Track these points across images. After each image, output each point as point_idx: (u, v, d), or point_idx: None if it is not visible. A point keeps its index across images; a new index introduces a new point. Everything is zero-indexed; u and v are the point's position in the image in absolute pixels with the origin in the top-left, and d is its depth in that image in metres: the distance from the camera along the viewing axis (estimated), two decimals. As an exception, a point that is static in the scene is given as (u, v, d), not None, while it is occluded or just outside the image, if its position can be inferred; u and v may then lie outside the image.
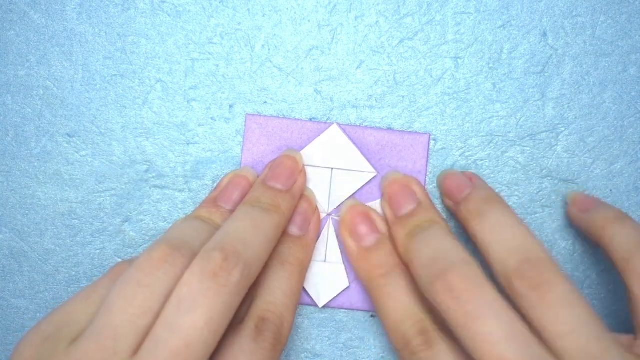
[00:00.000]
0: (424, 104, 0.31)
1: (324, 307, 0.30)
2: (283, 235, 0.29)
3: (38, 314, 0.31)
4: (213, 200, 0.29)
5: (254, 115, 0.31)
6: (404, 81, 0.31)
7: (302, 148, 0.30)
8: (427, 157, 0.31)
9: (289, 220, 0.29)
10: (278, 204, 0.27)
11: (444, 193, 0.30)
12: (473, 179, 0.30)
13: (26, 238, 0.31)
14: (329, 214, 0.30)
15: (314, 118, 0.31)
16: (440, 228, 0.27)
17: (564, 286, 0.23)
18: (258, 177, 0.29)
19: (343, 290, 0.30)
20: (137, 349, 0.23)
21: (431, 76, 0.31)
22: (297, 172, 0.29)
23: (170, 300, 0.23)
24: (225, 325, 0.24)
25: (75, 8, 0.31)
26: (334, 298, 0.30)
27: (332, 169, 0.30)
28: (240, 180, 0.29)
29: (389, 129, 0.31)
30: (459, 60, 0.31)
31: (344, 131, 0.30)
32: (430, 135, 0.31)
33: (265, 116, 0.31)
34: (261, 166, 0.30)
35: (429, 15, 0.31)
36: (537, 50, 0.31)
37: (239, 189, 0.29)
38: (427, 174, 0.31)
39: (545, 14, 0.31)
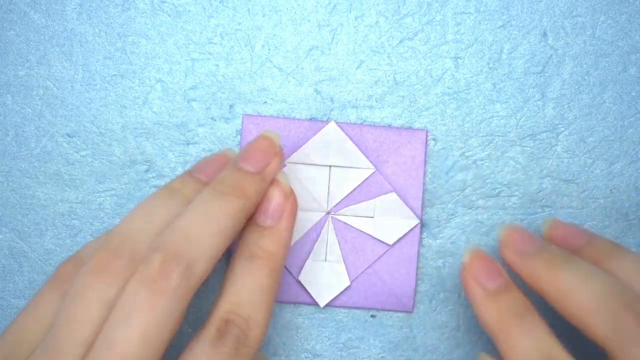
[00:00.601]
0: (424, 104, 0.31)
1: (325, 306, 0.30)
2: (251, 225, 0.26)
3: (38, 314, 0.31)
4: (189, 172, 0.27)
5: (251, 115, 0.31)
6: (404, 81, 0.31)
7: (300, 146, 0.30)
8: (426, 153, 0.31)
9: (256, 206, 0.26)
10: (243, 186, 0.25)
11: (554, 240, 0.29)
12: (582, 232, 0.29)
13: (26, 238, 0.31)
14: (328, 212, 0.30)
15: (314, 118, 0.31)
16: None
17: None
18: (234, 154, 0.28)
19: (344, 290, 0.30)
20: None
21: (431, 76, 0.31)
22: (272, 153, 0.27)
23: (111, 313, 0.22)
24: (166, 336, 0.22)
25: (75, 8, 0.31)
26: (335, 297, 0.30)
27: (330, 166, 0.30)
28: (220, 157, 0.28)
29: (387, 125, 0.31)
30: (459, 60, 0.31)
31: (342, 128, 0.30)
32: (427, 132, 0.31)
33: (262, 116, 0.31)
34: None
35: (429, 15, 0.31)
36: (537, 50, 0.31)
37: (215, 164, 0.27)
38: (426, 172, 0.31)
39: (545, 14, 0.31)
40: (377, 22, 0.31)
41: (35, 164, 0.31)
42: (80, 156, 0.31)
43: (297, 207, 0.27)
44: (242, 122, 0.31)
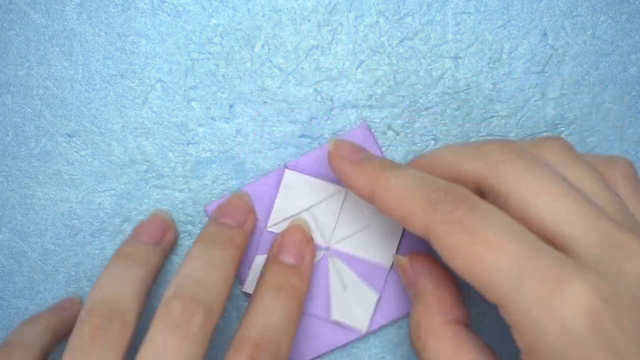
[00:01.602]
0: (424, 104, 0.31)
1: (373, 331, 0.30)
2: (277, 264, 0.28)
3: (38, 314, 0.31)
4: (133, 239, 0.29)
5: (293, 167, 0.30)
6: (404, 81, 0.31)
7: (271, 206, 0.30)
8: (377, 143, 0.30)
9: (277, 247, 0.28)
10: (233, 237, 0.27)
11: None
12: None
13: (26, 238, 0.31)
14: (327, 247, 0.30)
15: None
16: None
17: None
18: (170, 217, 0.30)
19: (377, 304, 0.30)
20: None
21: (431, 76, 0.31)
22: (247, 211, 0.29)
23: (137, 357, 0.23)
24: None
25: (75, 8, 0.31)
26: (374, 314, 0.30)
27: (309, 208, 0.30)
28: (155, 219, 0.29)
29: (332, 138, 0.30)
30: (459, 60, 0.31)
31: (297, 167, 0.30)
32: (366, 123, 0.30)
33: (300, 173, 0.30)
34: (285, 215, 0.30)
35: (429, 15, 0.31)
36: (537, 50, 0.31)
37: (155, 224, 0.29)
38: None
39: (545, 14, 0.31)
40: (377, 22, 0.31)
41: (35, 164, 0.31)
42: (80, 156, 0.31)
43: (316, 249, 0.29)
44: (284, 174, 0.30)
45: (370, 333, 0.30)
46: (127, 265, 0.27)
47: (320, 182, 0.30)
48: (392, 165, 0.25)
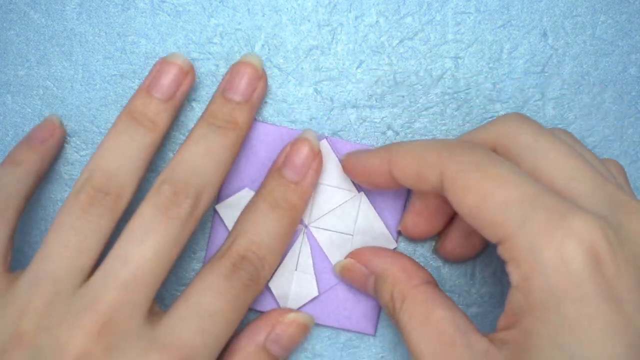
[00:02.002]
0: (424, 104, 0.31)
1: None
2: (276, 175, 0.28)
3: (38, 314, 0.31)
4: (146, 90, 0.27)
5: (331, 142, 0.30)
6: (404, 81, 0.31)
7: None
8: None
9: (246, 134, 0.28)
10: (235, 118, 0.27)
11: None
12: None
13: (26, 238, 0.31)
14: (306, 225, 0.30)
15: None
16: None
17: None
18: (188, 62, 0.28)
19: (312, 302, 0.30)
20: (80, 287, 0.24)
21: (431, 76, 0.31)
22: (257, 79, 0.28)
23: (123, 233, 0.25)
24: (174, 257, 0.25)
25: (75, 8, 0.31)
26: (302, 306, 0.30)
27: (320, 184, 0.30)
28: (171, 67, 0.28)
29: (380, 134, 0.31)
30: (459, 60, 0.31)
31: (333, 146, 0.30)
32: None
33: (254, 121, 0.30)
34: (250, 173, 0.30)
35: (429, 15, 0.31)
36: (537, 50, 0.31)
37: (170, 76, 0.27)
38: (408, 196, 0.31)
39: (545, 14, 0.31)
40: (377, 22, 0.31)
41: (35, 164, 0.31)
42: (80, 156, 0.31)
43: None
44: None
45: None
46: (134, 129, 0.26)
47: (342, 171, 0.30)
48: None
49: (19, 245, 0.31)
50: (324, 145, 0.30)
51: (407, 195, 0.30)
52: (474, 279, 0.31)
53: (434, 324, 0.24)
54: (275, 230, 0.27)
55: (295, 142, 0.28)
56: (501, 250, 0.22)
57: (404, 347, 0.31)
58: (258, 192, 0.28)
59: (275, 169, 0.28)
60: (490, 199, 0.22)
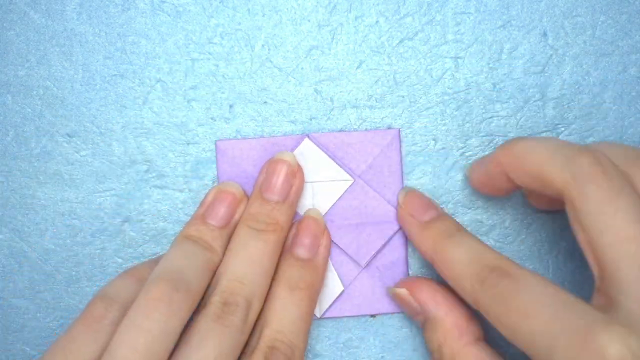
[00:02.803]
0: (424, 104, 0.31)
1: (324, 317, 0.30)
2: (291, 258, 0.28)
3: (38, 314, 0.31)
4: (201, 218, 0.28)
5: (224, 140, 0.30)
6: (404, 81, 0.31)
7: None
8: (400, 151, 0.30)
9: (287, 233, 0.29)
10: (276, 219, 0.28)
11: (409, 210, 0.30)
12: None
13: (26, 238, 0.31)
14: None
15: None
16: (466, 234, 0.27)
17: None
18: (242, 190, 0.29)
19: (339, 296, 0.30)
20: None
21: (431, 76, 0.31)
22: (292, 176, 0.29)
23: (182, 341, 0.25)
24: (232, 358, 0.25)
25: (75, 8, 0.31)
26: (331, 305, 0.30)
27: (312, 182, 0.30)
28: (226, 195, 0.29)
29: (360, 130, 0.31)
30: (459, 60, 0.31)
31: (316, 142, 0.30)
32: (399, 130, 0.31)
33: (234, 140, 0.30)
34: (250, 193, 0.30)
35: (429, 15, 0.31)
36: (537, 50, 0.31)
37: (224, 204, 0.29)
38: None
39: (545, 14, 0.31)
40: (377, 22, 0.31)
41: (35, 164, 0.31)
42: (80, 156, 0.31)
43: (331, 239, 0.30)
44: (216, 148, 0.31)
45: (322, 319, 0.31)
46: (194, 246, 0.27)
47: (333, 163, 0.30)
48: (455, 233, 0.27)
49: (18, 245, 0.31)
50: (308, 145, 0.30)
51: (401, 171, 0.30)
52: (474, 279, 0.31)
53: None
54: (297, 314, 0.27)
55: (301, 221, 0.29)
56: None
57: (404, 347, 0.31)
58: (274, 278, 0.28)
59: (287, 251, 0.29)
60: (518, 331, 0.22)
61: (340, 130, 0.31)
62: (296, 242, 0.29)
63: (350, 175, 0.30)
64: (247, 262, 0.27)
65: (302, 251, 0.28)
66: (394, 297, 0.29)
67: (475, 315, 0.27)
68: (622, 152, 0.25)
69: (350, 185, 0.30)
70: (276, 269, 0.28)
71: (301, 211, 0.30)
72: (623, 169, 0.24)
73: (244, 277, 0.26)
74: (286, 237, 0.29)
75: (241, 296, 0.26)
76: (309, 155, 0.30)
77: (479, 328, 0.27)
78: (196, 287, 0.26)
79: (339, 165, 0.30)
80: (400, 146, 0.31)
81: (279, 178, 0.29)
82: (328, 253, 0.29)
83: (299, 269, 0.28)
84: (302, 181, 0.30)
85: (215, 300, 0.25)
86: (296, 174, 0.29)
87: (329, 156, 0.30)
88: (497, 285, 0.24)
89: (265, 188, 0.29)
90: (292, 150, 0.30)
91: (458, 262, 0.25)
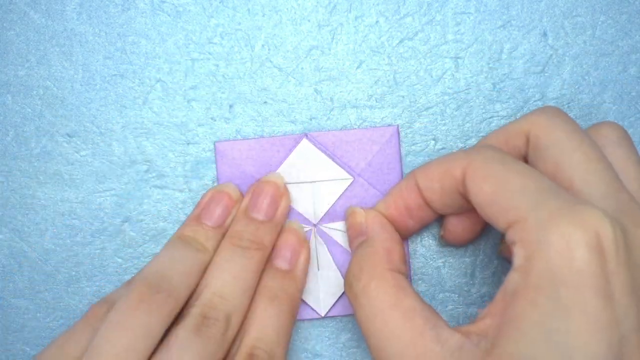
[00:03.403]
0: (424, 104, 0.31)
1: (327, 316, 0.30)
2: (272, 269, 0.29)
3: (38, 314, 0.31)
4: (196, 218, 0.29)
5: (223, 141, 0.30)
6: (404, 81, 0.31)
7: (277, 166, 0.30)
8: (399, 148, 0.30)
9: (272, 250, 0.29)
10: (260, 238, 0.28)
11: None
12: None
13: (26, 238, 0.31)
14: (315, 225, 0.30)
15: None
16: None
17: None
18: (238, 191, 0.29)
19: (342, 295, 0.30)
20: None
21: (431, 76, 0.31)
22: (279, 197, 0.29)
23: (160, 348, 0.25)
24: None
25: (75, 8, 0.31)
26: (334, 304, 0.30)
27: (312, 182, 0.30)
28: (222, 196, 0.29)
29: (358, 128, 0.31)
30: (459, 60, 0.31)
31: (315, 142, 0.30)
32: (398, 126, 0.31)
33: (233, 141, 0.30)
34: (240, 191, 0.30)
35: (429, 15, 0.31)
36: (537, 50, 0.31)
37: (221, 205, 0.29)
38: (402, 168, 0.31)
39: (545, 14, 0.31)
40: (377, 22, 0.31)
41: (35, 164, 0.31)
42: (80, 156, 0.31)
43: (310, 251, 0.30)
44: (215, 149, 0.31)
45: (322, 319, 0.31)
46: (186, 248, 0.28)
47: (332, 162, 0.30)
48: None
49: (18, 245, 0.31)
50: (306, 145, 0.30)
51: (401, 167, 0.30)
52: (474, 279, 0.31)
53: (403, 310, 0.24)
54: (277, 323, 0.27)
55: (281, 233, 0.29)
56: (510, 233, 0.22)
57: (404, 347, 0.31)
58: (255, 290, 0.28)
59: (268, 261, 0.29)
60: (507, 186, 0.23)
61: (341, 130, 0.31)
62: (277, 254, 0.29)
63: (350, 173, 0.30)
64: (230, 278, 0.27)
65: (282, 263, 0.29)
66: (349, 214, 0.29)
67: (407, 261, 0.28)
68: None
69: (350, 184, 0.30)
70: (258, 280, 0.28)
71: (302, 211, 0.30)
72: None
73: (226, 292, 0.26)
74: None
75: (221, 311, 0.26)
76: (308, 155, 0.30)
77: (408, 270, 0.27)
78: (180, 291, 0.26)
79: (338, 164, 0.30)
80: (400, 143, 0.31)
81: (266, 198, 0.29)
82: (307, 264, 0.29)
83: (279, 280, 0.28)
84: (289, 202, 0.30)
85: (195, 312, 0.26)
86: (283, 195, 0.29)
87: (328, 155, 0.30)
88: (496, 151, 0.25)
89: (252, 207, 0.29)
90: (291, 150, 0.30)
91: (442, 156, 0.27)
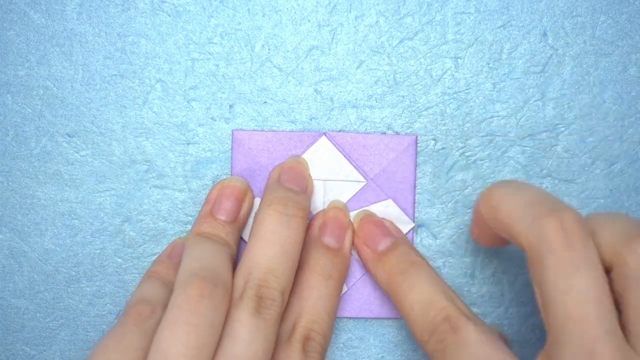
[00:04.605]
0: (424, 104, 0.31)
1: None
2: (321, 247, 0.28)
3: (38, 314, 0.31)
4: (210, 214, 0.28)
5: (241, 130, 0.30)
6: (404, 81, 0.31)
7: None
8: (415, 158, 0.31)
9: (320, 227, 0.29)
10: (303, 205, 0.28)
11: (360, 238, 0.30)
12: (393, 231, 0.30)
13: (26, 238, 0.31)
14: None
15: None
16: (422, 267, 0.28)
17: None
18: (245, 183, 0.29)
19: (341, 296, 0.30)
20: None
21: (431, 76, 0.31)
22: (307, 177, 0.29)
23: (225, 335, 0.24)
24: (270, 353, 0.25)
25: (75, 8, 0.31)
26: None
27: (325, 180, 0.30)
28: (232, 190, 0.29)
29: (381, 133, 0.31)
30: (459, 60, 0.31)
31: (333, 141, 0.30)
32: (417, 137, 0.31)
33: (251, 131, 0.30)
34: (253, 181, 0.30)
35: (429, 15, 0.31)
36: (537, 50, 0.31)
37: (231, 198, 0.29)
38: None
39: (545, 14, 0.31)
40: (377, 22, 0.31)
41: (35, 164, 0.31)
42: (80, 156, 0.31)
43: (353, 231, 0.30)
44: (232, 137, 0.31)
45: None
46: (211, 242, 0.27)
47: (347, 163, 0.30)
48: (408, 269, 0.27)
49: (18, 245, 0.31)
50: (324, 142, 0.30)
51: (414, 178, 0.30)
52: (474, 279, 0.31)
53: None
54: (331, 305, 0.27)
55: (328, 211, 0.29)
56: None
57: (404, 347, 0.31)
58: (305, 267, 0.28)
59: (315, 240, 0.29)
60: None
61: (341, 130, 0.31)
62: (325, 231, 0.29)
63: (364, 177, 0.30)
64: (278, 253, 0.26)
65: (331, 240, 0.29)
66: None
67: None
68: (619, 227, 0.23)
69: (362, 187, 0.30)
70: (303, 257, 0.28)
71: (312, 208, 0.30)
72: (616, 248, 0.23)
73: (277, 269, 0.26)
74: (310, 225, 0.29)
75: (276, 290, 0.26)
76: (324, 153, 0.30)
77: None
78: (229, 281, 0.26)
79: (353, 166, 0.30)
80: (416, 153, 0.31)
81: (297, 173, 0.29)
82: (352, 244, 0.29)
83: (332, 258, 0.28)
84: (313, 186, 0.30)
85: (251, 293, 0.25)
86: (308, 178, 0.30)
87: (344, 156, 0.30)
88: (443, 341, 0.24)
89: (285, 177, 0.29)
90: (309, 147, 0.30)
91: (410, 308, 0.26)
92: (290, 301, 0.27)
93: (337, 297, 0.28)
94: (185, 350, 0.23)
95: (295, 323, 0.27)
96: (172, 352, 0.23)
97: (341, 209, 0.30)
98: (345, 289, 0.30)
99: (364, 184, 0.30)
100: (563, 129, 0.31)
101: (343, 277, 0.28)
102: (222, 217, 0.28)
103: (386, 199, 0.30)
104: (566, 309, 0.21)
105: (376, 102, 0.31)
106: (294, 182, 0.29)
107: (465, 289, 0.31)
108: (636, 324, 0.22)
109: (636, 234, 0.22)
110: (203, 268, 0.25)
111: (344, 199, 0.30)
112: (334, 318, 0.28)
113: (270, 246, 0.26)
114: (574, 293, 0.21)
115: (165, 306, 0.25)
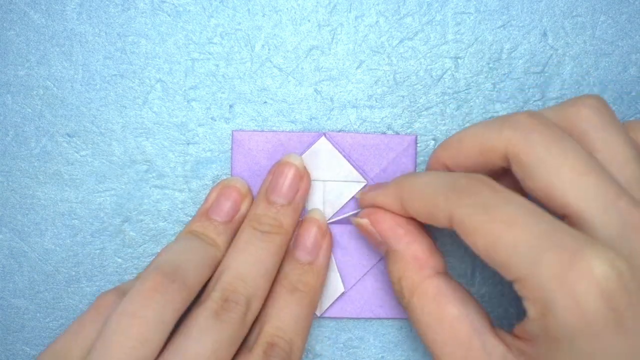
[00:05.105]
0: (424, 104, 0.31)
1: (324, 317, 0.30)
2: (291, 260, 0.28)
3: (38, 314, 0.31)
4: (205, 214, 0.29)
5: (240, 131, 0.30)
6: (404, 81, 0.31)
7: None
8: (415, 158, 0.31)
9: (292, 236, 0.29)
10: (280, 222, 0.28)
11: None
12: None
13: (26, 238, 0.31)
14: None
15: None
16: None
17: None
18: (247, 185, 0.29)
19: (339, 297, 0.30)
20: None
21: (431, 76, 0.31)
22: (298, 180, 0.29)
23: (179, 332, 0.25)
24: (230, 356, 0.25)
25: (75, 8, 0.31)
26: (331, 305, 0.30)
27: (324, 181, 0.30)
28: (231, 191, 0.29)
29: (380, 133, 0.31)
30: (459, 60, 0.31)
31: (333, 141, 0.30)
32: (417, 136, 0.31)
33: (251, 131, 0.30)
34: (252, 182, 0.30)
35: (429, 15, 0.31)
36: (537, 50, 0.31)
37: (230, 200, 0.29)
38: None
39: (545, 14, 0.31)
40: (377, 22, 0.31)
41: (35, 164, 0.31)
42: (80, 156, 0.31)
43: (333, 242, 0.30)
44: (232, 138, 0.31)
45: (322, 319, 0.31)
46: (198, 241, 0.28)
47: (347, 163, 0.30)
48: (414, 172, 0.27)
49: (18, 245, 0.31)
50: (324, 143, 0.30)
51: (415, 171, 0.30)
52: (474, 279, 0.31)
53: (448, 323, 0.24)
54: (297, 313, 0.27)
55: (303, 224, 0.29)
56: (516, 288, 0.22)
57: (404, 347, 0.31)
58: (276, 278, 0.28)
59: (288, 253, 0.29)
60: (499, 242, 0.22)
61: (341, 130, 0.31)
62: (298, 245, 0.29)
63: (364, 177, 0.30)
64: (250, 262, 0.27)
65: (303, 254, 0.29)
66: (357, 227, 0.29)
67: (436, 248, 0.27)
68: (559, 105, 0.26)
69: (362, 187, 0.30)
70: (278, 269, 0.28)
71: (311, 209, 0.30)
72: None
73: (246, 276, 0.26)
74: (290, 239, 0.29)
75: (242, 294, 0.26)
76: (323, 153, 0.30)
77: (441, 261, 0.26)
78: (193, 281, 0.26)
79: (353, 166, 0.30)
80: (416, 153, 0.31)
81: (286, 181, 0.29)
82: (329, 255, 0.29)
83: (301, 272, 0.28)
84: (309, 185, 0.30)
85: (215, 295, 0.26)
86: (303, 177, 0.29)
87: (344, 156, 0.30)
88: (478, 194, 0.23)
89: (271, 190, 0.29)
90: (308, 147, 0.30)
91: (427, 184, 0.25)
92: (260, 312, 0.27)
93: (306, 307, 0.28)
94: (127, 341, 0.23)
95: (260, 330, 0.27)
96: (112, 341, 0.23)
97: (317, 220, 0.29)
98: (343, 289, 0.30)
99: (364, 184, 0.30)
100: (563, 129, 0.31)
101: (314, 289, 0.28)
102: (218, 218, 0.28)
103: None
104: (572, 169, 0.22)
105: (376, 102, 0.31)
106: (279, 194, 0.29)
107: (465, 288, 0.31)
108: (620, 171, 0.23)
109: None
110: (169, 263, 0.25)
111: (344, 199, 0.30)
112: (304, 326, 0.27)
113: (243, 254, 0.27)
114: (571, 153, 0.23)
115: None
